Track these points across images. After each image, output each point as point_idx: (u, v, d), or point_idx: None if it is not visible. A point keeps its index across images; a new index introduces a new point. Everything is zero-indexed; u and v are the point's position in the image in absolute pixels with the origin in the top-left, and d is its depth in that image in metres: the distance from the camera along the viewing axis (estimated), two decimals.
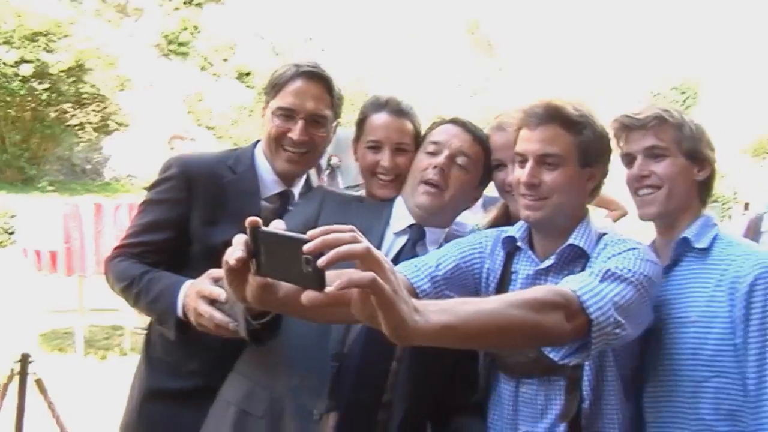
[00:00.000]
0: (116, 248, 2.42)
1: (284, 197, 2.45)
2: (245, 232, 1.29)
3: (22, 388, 3.27)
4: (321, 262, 1.15)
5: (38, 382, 3.33)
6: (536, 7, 37.60)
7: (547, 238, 2.08)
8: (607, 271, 1.76)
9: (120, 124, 19.85)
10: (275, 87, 2.38)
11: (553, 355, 1.71)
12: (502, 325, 1.44)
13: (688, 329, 1.98)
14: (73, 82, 17.77)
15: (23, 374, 3.27)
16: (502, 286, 2.10)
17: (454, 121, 2.27)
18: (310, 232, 1.18)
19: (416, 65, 29.88)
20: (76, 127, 18.99)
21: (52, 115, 18.23)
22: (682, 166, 2.10)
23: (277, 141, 2.37)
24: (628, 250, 1.91)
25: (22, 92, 17.01)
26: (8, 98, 17.13)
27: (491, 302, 1.49)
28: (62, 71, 17.18)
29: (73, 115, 18.90)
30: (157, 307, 2.24)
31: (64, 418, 3.38)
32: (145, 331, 2.56)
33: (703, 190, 2.16)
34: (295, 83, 2.35)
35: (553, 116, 1.99)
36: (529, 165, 2.00)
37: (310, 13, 27.39)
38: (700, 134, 2.13)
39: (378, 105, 2.43)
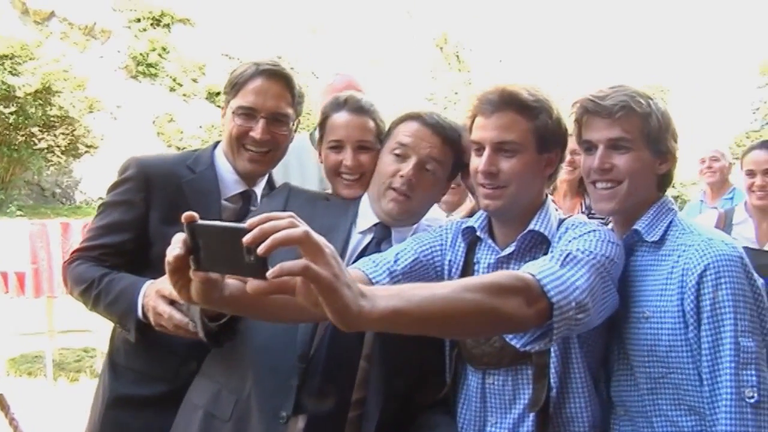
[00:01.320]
0: (74, 252, 2.35)
1: (246, 197, 2.41)
2: (195, 216, 1.26)
3: None
4: (260, 250, 1.13)
5: None
6: (504, 20, 37.99)
7: (507, 226, 2.04)
8: (568, 254, 1.72)
9: (89, 147, 19.71)
10: (235, 86, 2.34)
11: (515, 342, 1.66)
12: (456, 309, 1.40)
13: (643, 325, 1.90)
14: (41, 104, 17.64)
15: None
16: (465, 277, 2.01)
17: (423, 121, 2.16)
18: (249, 221, 1.16)
19: (387, 80, 30.01)
20: (45, 151, 18.81)
21: (20, 138, 18.06)
22: (646, 161, 1.97)
23: (239, 141, 2.33)
24: (589, 232, 1.89)
25: None
26: None
27: (445, 287, 1.43)
28: (29, 94, 17.06)
29: (41, 139, 18.75)
30: (117, 308, 2.18)
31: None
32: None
33: (663, 181, 2.04)
34: (256, 82, 2.32)
35: (508, 102, 1.93)
36: (486, 153, 1.94)
37: (279, 33, 27.47)
38: (666, 124, 1.99)
39: (338, 104, 2.37)
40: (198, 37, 25.81)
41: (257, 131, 2.29)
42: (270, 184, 2.53)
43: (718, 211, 4.27)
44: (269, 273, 1.13)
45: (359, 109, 2.32)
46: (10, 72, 16.86)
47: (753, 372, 1.73)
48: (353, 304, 1.20)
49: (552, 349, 1.90)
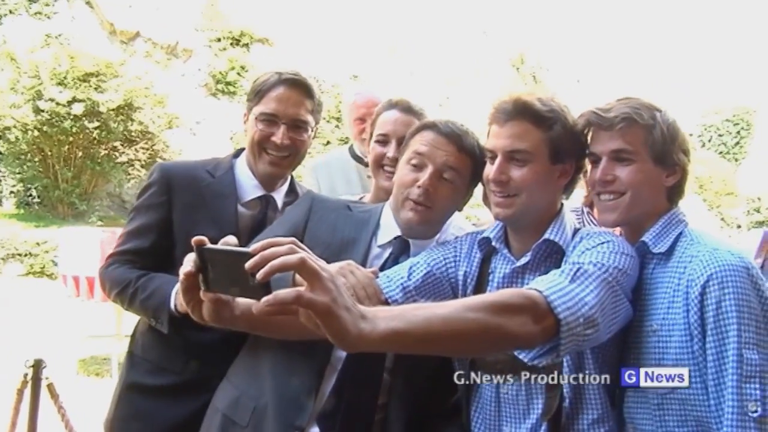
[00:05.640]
0: (108, 257, 2.52)
1: (264, 202, 2.52)
2: (223, 233, 1.36)
3: (35, 393, 3.38)
4: (258, 276, 1.20)
5: (50, 387, 3.44)
6: (582, 40, 37.53)
7: (521, 236, 2.05)
8: (579, 269, 1.72)
9: (168, 161, 20.19)
10: (258, 93, 2.47)
11: (523, 357, 1.68)
12: (457, 329, 1.41)
13: (651, 338, 1.88)
14: (122, 120, 18.26)
15: (36, 379, 3.38)
16: (480, 288, 2.07)
17: (438, 130, 2.17)
18: (253, 247, 1.24)
19: (462, 100, 29.98)
20: (126, 164, 19.49)
21: (102, 152, 18.78)
22: (649, 172, 1.96)
23: (260, 145, 2.46)
24: (602, 243, 1.88)
25: (74, 130, 17.55)
26: (61, 136, 17.70)
27: (447, 307, 1.45)
28: (112, 110, 17.68)
29: (123, 153, 19.44)
30: (152, 303, 2.33)
31: (74, 422, 3.49)
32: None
33: (674, 193, 2.03)
34: (278, 90, 2.44)
35: (522, 112, 1.96)
36: (497, 161, 1.97)
37: (356, 52, 27.80)
38: (672, 136, 1.97)
39: (389, 105, 2.56)
40: (276, 56, 26.27)
41: (278, 137, 2.41)
42: (292, 188, 2.63)
43: (764, 230, 4.15)
44: (263, 300, 1.20)
45: (408, 109, 2.50)
46: (95, 89, 17.53)
47: (757, 385, 1.69)
48: (352, 327, 1.24)
49: (565, 359, 1.88)
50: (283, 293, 1.20)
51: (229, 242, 1.35)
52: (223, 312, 1.43)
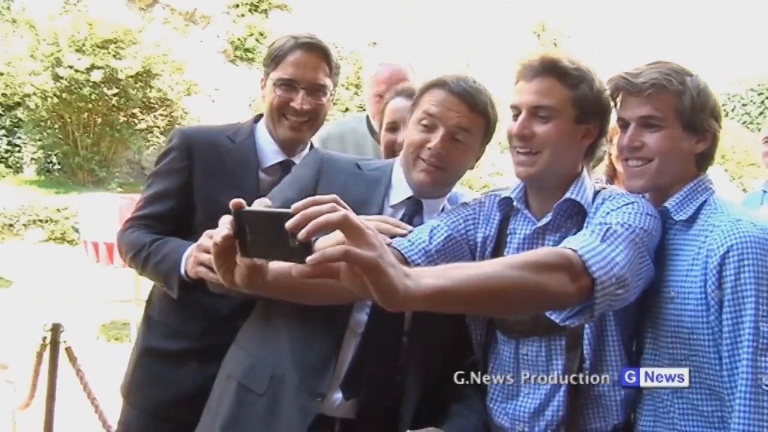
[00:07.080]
0: (126, 221, 2.54)
1: (285, 168, 2.50)
2: (245, 200, 1.31)
3: (54, 356, 3.42)
4: (301, 235, 1.16)
5: (68, 350, 3.49)
6: (604, 7, 36.97)
7: (542, 196, 2.03)
8: (608, 228, 1.72)
9: None
10: (275, 59, 2.45)
11: (555, 317, 1.67)
12: (500, 287, 1.40)
13: (668, 305, 1.88)
14: (141, 87, 18.20)
15: (54, 343, 3.41)
16: (499, 249, 2.06)
17: (449, 89, 2.11)
18: (294, 206, 1.19)
19: (483, 69, 29.71)
20: (144, 131, 19.46)
21: (122, 119, 18.72)
22: (678, 139, 1.94)
23: (280, 110, 2.44)
24: (627, 204, 1.88)
25: (92, 97, 17.52)
26: (80, 104, 17.68)
27: (489, 265, 1.46)
28: (130, 77, 17.61)
29: (142, 119, 19.41)
30: (163, 267, 2.33)
31: (93, 384, 3.53)
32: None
33: (703, 159, 2.01)
34: (295, 54, 2.42)
35: (549, 69, 1.94)
36: (521, 116, 1.96)
37: (375, 18, 27.55)
38: (703, 102, 1.95)
39: (395, 93, 2.60)
40: (294, 22, 26.06)
41: (297, 102, 2.39)
42: None
43: None
44: (309, 259, 1.16)
45: (412, 96, 2.42)
46: (113, 56, 17.43)
47: None
48: (399, 284, 1.21)
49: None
50: (330, 250, 1.16)
51: (263, 203, 1.32)
52: (255, 277, 1.40)
